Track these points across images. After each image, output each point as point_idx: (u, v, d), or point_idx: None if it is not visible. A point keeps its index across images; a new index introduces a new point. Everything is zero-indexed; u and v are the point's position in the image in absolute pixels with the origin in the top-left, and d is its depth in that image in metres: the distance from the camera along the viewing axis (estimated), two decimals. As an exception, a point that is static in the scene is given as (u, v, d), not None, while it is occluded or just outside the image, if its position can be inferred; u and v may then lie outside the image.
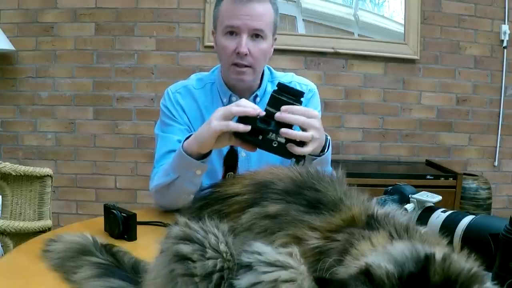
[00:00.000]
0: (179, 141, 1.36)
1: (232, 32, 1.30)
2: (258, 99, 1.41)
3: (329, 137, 1.24)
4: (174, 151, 1.35)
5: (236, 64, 1.32)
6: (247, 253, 0.58)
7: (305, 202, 0.63)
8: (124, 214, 1.10)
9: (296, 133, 1.07)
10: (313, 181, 0.67)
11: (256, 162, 1.35)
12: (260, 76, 1.42)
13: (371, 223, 0.59)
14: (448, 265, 0.47)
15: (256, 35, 1.31)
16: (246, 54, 1.29)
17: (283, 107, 1.07)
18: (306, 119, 1.09)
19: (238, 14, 1.28)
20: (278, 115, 1.06)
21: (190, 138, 1.18)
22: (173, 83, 1.47)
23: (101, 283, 0.79)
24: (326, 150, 1.21)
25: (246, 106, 1.09)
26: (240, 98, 1.36)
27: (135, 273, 0.82)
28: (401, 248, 0.50)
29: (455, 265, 0.47)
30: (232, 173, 1.34)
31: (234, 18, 1.29)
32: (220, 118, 1.09)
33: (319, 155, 1.20)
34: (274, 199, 0.64)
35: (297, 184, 0.66)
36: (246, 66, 1.31)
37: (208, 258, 0.60)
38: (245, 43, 1.29)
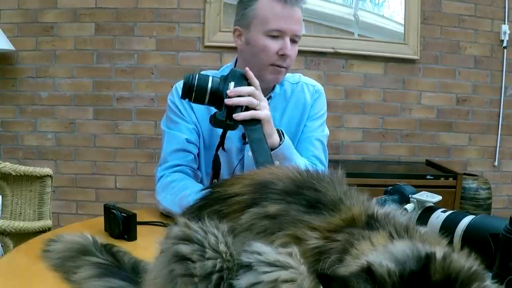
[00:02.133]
0: (187, 140, 1.36)
1: (275, 36, 1.31)
2: (269, 100, 1.41)
3: (281, 130, 1.27)
4: (183, 150, 1.36)
5: (276, 65, 1.34)
6: (247, 253, 0.58)
7: (304, 202, 0.63)
8: (124, 214, 1.10)
9: (245, 99, 1.17)
10: (312, 181, 0.67)
11: None
12: None
13: (371, 223, 0.59)
14: (449, 264, 0.47)
15: (294, 40, 1.34)
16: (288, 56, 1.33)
17: (230, 92, 1.17)
18: (253, 89, 1.19)
19: (285, 17, 1.30)
20: (230, 90, 1.16)
21: None
22: (173, 83, 1.46)
23: (101, 283, 0.79)
24: (281, 141, 1.24)
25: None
26: None
27: (135, 273, 0.82)
28: (402, 247, 0.50)
29: (455, 263, 0.47)
30: (216, 180, 1.34)
31: (281, 21, 1.30)
32: None
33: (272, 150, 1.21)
34: (274, 199, 0.64)
35: (296, 184, 0.66)
36: (283, 67, 1.35)
37: (208, 259, 0.60)
38: (290, 46, 1.32)
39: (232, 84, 1.17)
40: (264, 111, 1.19)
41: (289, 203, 0.64)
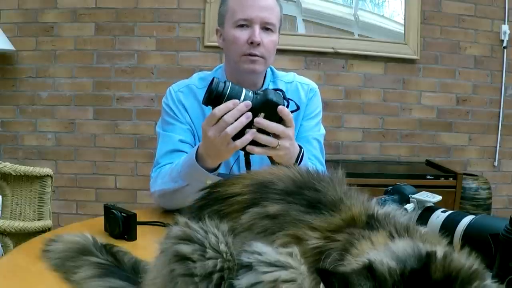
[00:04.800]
0: (181, 141, 1.37)
1: (243, 25, 1.32)
2: None
3: (303, 150, 1.24)
4: (176, 150, 1.36)
5: (248, 54, 1.32)
6: (247, 253, 0.58)
7: (305, 202, 0.63)
8: (124, 214, 1.10)
9: (264, 138, 1.11)
10: (313, 181, 0.67)
11: (257, 161, 1.35)
12: (264, 73, 1.43)
13: (371, 223, 0.59)
14: (449, 262, 0.47)
15: (266, 28, 1.33)
16: (259, 44, 1.30)
17: (257, 123, 1.10)
18: (283, 129, 1.12)
19: (250, 6, 1.31)
20: (257, 120, 1.09)
21: (203, 153, 1.17)
22: (173, 83, 1.47)
23: (101, 283, 0.79)
24: (299, 163, 1.21)
25: (237, 109, 1.09)
26: None
27: (135, 273, 0.82)
28: (403, 246, 0.50)
29: (456, 262, 0.48)
30: None
31: (246, 10, 1.31)
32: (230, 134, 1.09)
33: None
34: (274, 199, 0.64)
35: (297, 184, 0.66)
36: (258, 56, 1.32)
37: (208, 258, 0.60)
38: (259, 33, 1.30)
39: (262, 115, 1.10)
40: (281, 151, 1.13)
41: (290, 203, 0.63)
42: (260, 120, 1.10)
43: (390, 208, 0.65)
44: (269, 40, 1.32)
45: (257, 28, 1.30)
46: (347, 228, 0.58)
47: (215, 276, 0.59)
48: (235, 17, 1.32)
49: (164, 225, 1.18)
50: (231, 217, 0.65)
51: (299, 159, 1.22)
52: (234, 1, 1.34)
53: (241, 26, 1.32)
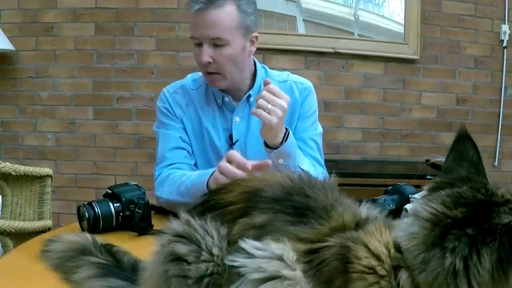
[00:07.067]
0: (181, 138, 1.37)
1: (197, 43, 1.32)
2: (251, 98, 1.40)
3: (289, 130, 1.26)
4: (177, 148, 1.37)
5: (206, 72, 1.34)
6: (239, 257, 0.58)
7: (292, 210, 0.62)
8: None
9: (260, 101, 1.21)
10: (304, 187, 0.66)
11: (254, 153, 1.34)
12: (249, 77, 1.42)
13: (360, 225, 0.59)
14: None
15: (215, 44, 1.29)
16: (209, 63, 1.30)
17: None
18: (275, 99, 1.21)
19: (196, 23, 1.29)
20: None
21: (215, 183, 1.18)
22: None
23: (101, 283, 0.80)
24: (284, 141, 1.23)
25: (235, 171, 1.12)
26: (233, 99, 1.38)
27: (134, 273, 0.82)
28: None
29: None
30: None
31: (193, 28, 1.31)
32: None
33: (276, 148, 1.23)
34: (262, 209, 0.64)
35: (286, 190, 0.66)
36: (215, 73, 1.33)
37: (203, 261, 0.60)
38: (206, 53, 1.29)
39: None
40: (270, 116, 1.19)
41: (276, 211, 0.63)
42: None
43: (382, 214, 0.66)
44: (220, 56, 1.29)
45: (205, 48, 1.29)
46: (336, 233, 0.58)
47: (205, 281, 0.59)
48: (190, 34, 1.33)
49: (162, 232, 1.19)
50: (227, 227, 0.65)
51: (285, 138, 1.25)
52: (189, 17, 1.32)
53: (197, 44, 1.32)
